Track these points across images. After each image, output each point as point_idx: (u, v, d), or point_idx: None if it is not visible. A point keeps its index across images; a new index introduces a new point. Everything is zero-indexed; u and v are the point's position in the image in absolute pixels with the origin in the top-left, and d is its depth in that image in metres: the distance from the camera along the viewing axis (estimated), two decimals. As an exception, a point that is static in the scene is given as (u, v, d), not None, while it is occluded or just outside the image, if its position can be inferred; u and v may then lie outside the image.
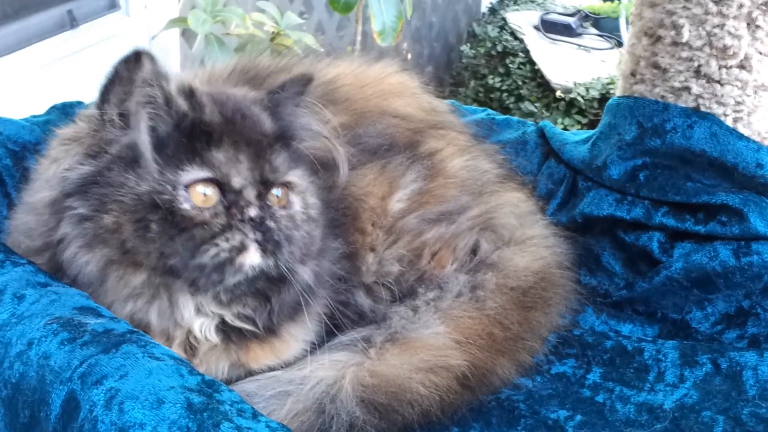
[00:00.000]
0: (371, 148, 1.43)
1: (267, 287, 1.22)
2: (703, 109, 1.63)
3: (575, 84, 4.46)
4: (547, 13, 5.18)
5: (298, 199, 1.23)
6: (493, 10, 5.53)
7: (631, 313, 1.61)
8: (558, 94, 4.53)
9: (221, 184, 1.14)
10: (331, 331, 1.35)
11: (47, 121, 1.70)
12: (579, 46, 4.95)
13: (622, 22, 4.82)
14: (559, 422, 1.30)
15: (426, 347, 1.30)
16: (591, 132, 1.82)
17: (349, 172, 1.35)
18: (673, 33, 1.63)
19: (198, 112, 1.16)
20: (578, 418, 1.31)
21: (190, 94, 1.17)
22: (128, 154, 1.13)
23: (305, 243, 1.23)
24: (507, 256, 1.46)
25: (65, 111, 1.75)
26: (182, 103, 1.15)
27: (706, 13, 1.60)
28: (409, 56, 4.81)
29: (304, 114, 1.28)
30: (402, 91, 1.56)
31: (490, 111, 1.95)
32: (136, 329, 1.11)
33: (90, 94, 1.80)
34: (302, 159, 1.26)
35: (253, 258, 1.15)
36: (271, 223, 1.16)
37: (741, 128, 1.63)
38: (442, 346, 1.30)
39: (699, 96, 1.63)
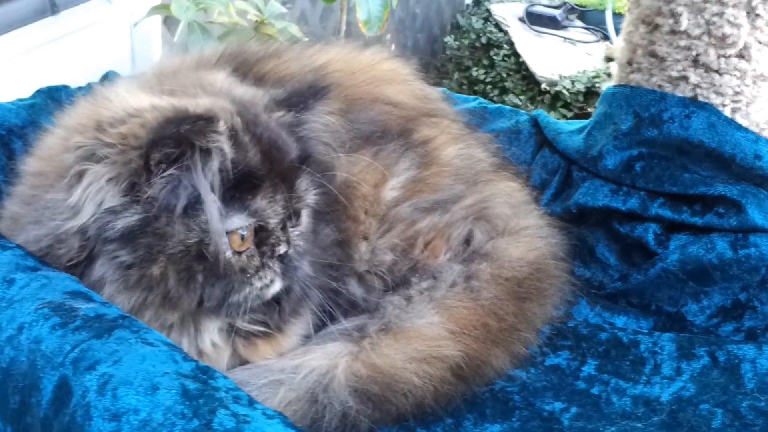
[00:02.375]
0: (363, 135, 1.42)
1: (280, 295, 1.22)
2: (701, 98, 1.62)
3: (560, 77, 4.44)
4: (532, 5, 5.16)
5: (306, 213, 1.24)
6: (477, 2, 5.49)
7: (625, 305, 1.60)
8: (543, 86, 4.51)
9: (259, 227, 1.15)
10: (322, 320, 1.34)
11: (33, 105, 1.68)
12: (564, 38, 4.92)
13: (608, 14, 4.80)
14: (555, 414, 1.30)
15: (420, 337, 1.29)
16: (586, 121, 1.81)
17: (341, 158, 1.34)
18: (671, 21, 1.62)
19: (242, 154, 1.13)
20: (573, 410, 1.30)
21: (234, 135, 1.13)
22: (174, 205, 1.10)
23: (309, 246, 1.25)
24: (501, 246, 1.45)
25: (51, 95, 1.74)
26: (229, 149, 1.11)
27: (705, 1, 1.58)
28: (393, 47, 4.79)
29: (320, 128, 1.28)
30: (394, 77, 1.54)
31: (481, 100, 1.94)
32: (127, 314, 1.09)
33: (71, 80, 1.79)
34: (311, 168, 1.25)
35: (276, 287, 1.18)
36: (291, 252, 1.19)
37: (739, 119, 1.62)
38: (436, 336, 1.29)
39: (697, 85, 1.62)
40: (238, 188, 1.12)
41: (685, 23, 1.60)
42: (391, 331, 1.30)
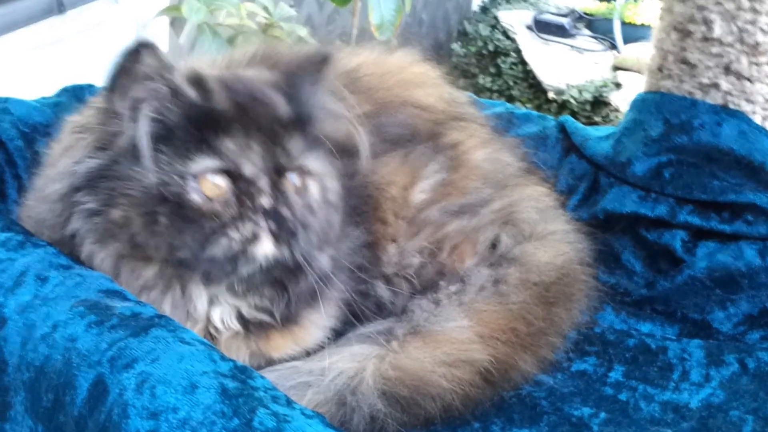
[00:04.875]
0: (393, 138, 1.41)
1: (283, 276, 1.19)
2: (731, 106, 1.62)
3: (567, 86, 4.44)
4: (541, 13, 5.17)
5: (316, 185, 1.20)
6: (484, 9, 5.51)
7: (650, 312, 1.59)
8: (550, 95, 4.52)
9: (232, 174, 1.11)
10: (350, 321, 1.33)
11: (57, 103, 1.69)
12: (572, 47, 4.93)
13: (616, 23, 4.80)
14: (584, 419, 1.29)
15: (449, 341, 1.29)
16: (614, 128, 1.81)
17: (371, 161, 1.31)
18: (703, 28, 1.62)
19: (207, 99, 1.12)
20: (603, 415, 1.30)
21: (197, 81, 1.13)
22: (129, 145, 1.10)
23: (323, 229, 1.20)
24: (529, 251, 1.45)
25: (75, 93, 1.74)
26: (190, 92, 1.12)
27: (739, 8, 1.58)
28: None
29: (322, 94, 1.24)
30: (424, 81, 1.54)
31: (508, 105, 1.94)
32: (163, 314, 1.09)
33: (76, 80, 1.79)
34: (320, 142, 1.22)
35: (266, 248, 1.12)
36: (285, 212, 1.13)
37: (769, 127, 1.62)
38: (465, 340, 1.29)
39: (728, 93, 1.62)
40: (201, 130, 1.10)
41: (717, 30, 1.60)
42: (419, 334, 1.30)
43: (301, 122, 1.18)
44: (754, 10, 1.58)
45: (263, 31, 2.61)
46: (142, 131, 1.09)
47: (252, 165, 1.11)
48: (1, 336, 1.07)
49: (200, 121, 1.11)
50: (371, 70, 1.48)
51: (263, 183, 1.12)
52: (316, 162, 1.20)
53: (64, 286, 1.10)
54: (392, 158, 1.40)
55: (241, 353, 1.23)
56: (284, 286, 1.21)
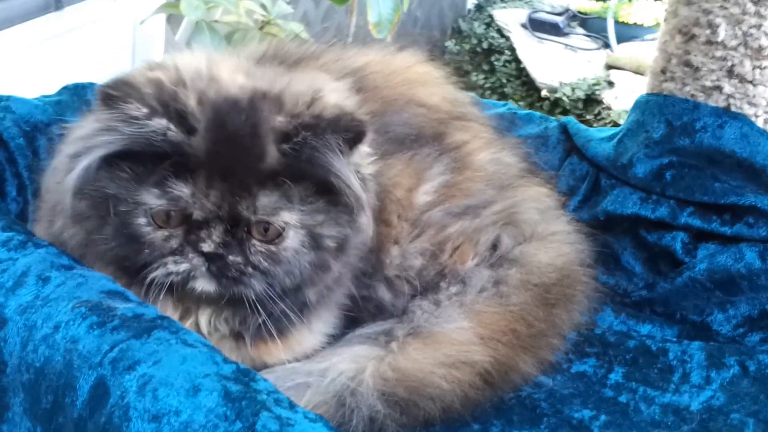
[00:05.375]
0: (398, 138, 1.40)
1: (239, 307, 1.19)
2: (734, 109, 1.62)
3: (561, 84, 4.45)
4: (535, 12, 5.18)
5: (298, 234, 1.15)
6: (479, 7, 5.50)
7: (649, 313, 1.59)
8: (543, 93, 4.53)
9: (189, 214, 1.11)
10: (349, 323, 1.34)
11: (59, 102, 1.68)
12: (566, 45, 4.94)
13: (609, 22, 4.81)
14: (584, 422, 1.29)
15: (449, 342, 1.28)
16: (616, 129, 1.81)
17: (376, 162, 1.29)
18: (708, 32, 1.62)
19: (185, 139, 1.09)
20: (603, 418, 1.30)
21: (183, 117, 1.10)
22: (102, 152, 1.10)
23: (303, 273, 1.17)
24: (530, 252, 1.44)
25: (77, 92, 1.74)
26: (174, 131, 1.09)
27: (744, 13, 1.59)
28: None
29: (340, 164, 1.14)
30: (427, 80, 1.53)
31: (511, 105, 1.94)
32: (165, 315, 1.09)
33: (72, 76, 1.79)
34: (317, 194, 1.16)
35: (203, 285, 1.13)
36: (233, 258, 1.12)
37: (772, 130, 1.62)
38: (465, 341, 1.29)
39: (730, 96, 1.62)
40: (168, 164, 1.09)
41: (722, 34, 1.60)
42: (419, 336, 1.29)
43: (291, 176, 1.12)
44: (759, 15, 1.58)
45: (260, 28, 2.60)
46: (105, 149, 1.10)
47: (203, 212, 1.10)
48: (1, 336, 1.06)
49: (167, 156, 1.09)
50: (377, 69, 1.47)
51: (214, 229, 1.11)
52: (297, 215, 1.14)
53: (65, 287, 1.09)
54: (398, 160, 1.38)
55: (233, 356, 1.22)
56: (243, 316, 1.21)
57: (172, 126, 1.09)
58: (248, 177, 1.10)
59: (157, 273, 1.12)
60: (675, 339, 1.51)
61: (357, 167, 1.18)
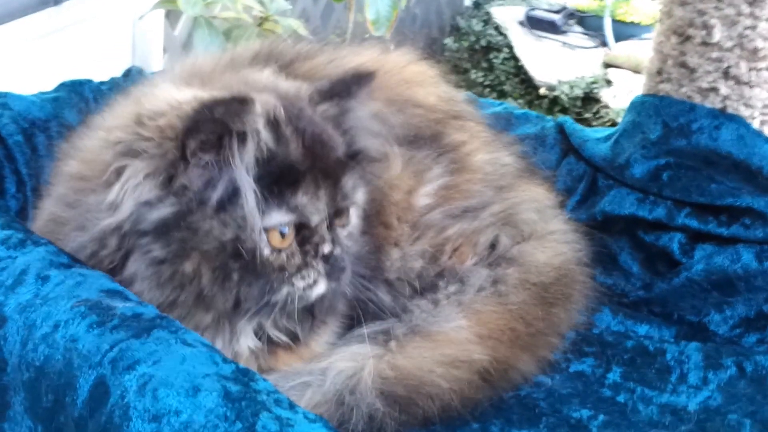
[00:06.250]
0: (396, 139, 1.40)
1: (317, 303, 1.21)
2: (730, 110, 1.63)
3: (559, 82, 4.45)
4: (533, 9, 5.17)
5: (356, 212, 1.22)
6: (477, 4, 5.49)
7: (647, 314, 1.60)
8: (541, 91, 4.53)
9: (300, 224, 1.12)
10: (349, 324, 1.34)
11: (56, 98, 1.68)
12: (564, 43, 4.94)
13: (606, 21, 4.81)
14: (582, 421, 1.29)
15: (448, 341, 1.29)
16: (613, 129, 1.81)
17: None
18: (703, 33, 1.63)
19: (283, 147, 1.10)
20: (601, 417, 1.30)
21: (275, 125, 1.11)
22: (209, 197, 1.08)
23: (358, 252, 1.23)
24: (528, 251, 1.45)
25: (74, 89, 1.74)
26: (269, 139, 1.09)
27: (739, 14, 1.59)
28: (392, 48, 4.78)
29: (365, 114, 1.24)
30: (423, 80, 1.53)
31: (507, 105, 1.94)
32: (165, 314, 1.08)
33: (71, 72, 1.79)
34: (362, 165, 1.23)
35: (320, 289, 1.16)
36: (338, 251, 1.16)
37: (767, 131, 1.62)
38: (464, 340, 1.29)
39: (726, 97, 1.63)
40: (277, 183, 1.09)
41: (717, 35, 1.61)
42: (418, 335, 1.30)
43: (352, 156, 1.19)
44: (754, 16, 1.58)
45: (258, 24, 2.60)
46: (245, 181, 1.06)
47: (318, 214, 1.13)
48: (1, 335, 1.06)
49: (276, 171, 1.09)
50: (373, 69, 1.47)
51: (324, 229, 1.14)
52: (360, 192, 1.21)
53: (64, 286, 1.09)
54: (396, 162, 1.39)
55: (252, 362, 1.23)
56: (313, 312, 1.23)
57: (271, 138, 1.10)
58: (336, 168, 1.15)
59: (283, 293, 1.13)
60: (672, 339, 1.52)
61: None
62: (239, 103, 1.04)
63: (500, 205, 1.46)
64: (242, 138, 1.06)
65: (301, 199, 1.11)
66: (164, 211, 1.08)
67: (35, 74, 1.79)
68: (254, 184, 1.06)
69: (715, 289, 1.55)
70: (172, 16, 2.87)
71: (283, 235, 1.11)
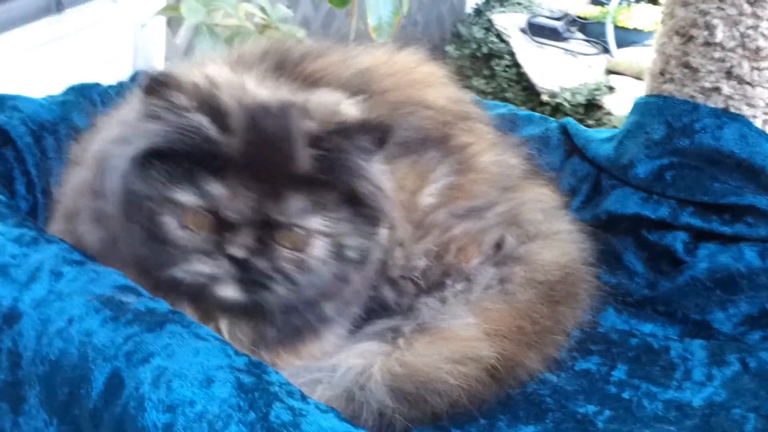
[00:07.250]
0: (404, 141, 1.39)
1: (255, 317, 1.20)
2: (732, 110, 1.64)
3: (561, 88, 4.45)
4: (534, 16, 5.17)
5: (322, 243, 1.16)
6: (478, 11, 5.48)
7: (651, 312, 1.60)
8: (543, 98, 4.53)
9: (215, 213, 1.10)
10: (355, 322, 1.35)
11: (65, 101, 1.69)
12: (565, 50, 4.94)
13: (608, 27, 4.82)
14: (588, 416, 1.30)
15: (456, 338, 1.30)
16: (616, 130, 1.83)
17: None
18: (705, 33, 1.64)
19: (222, 138, 1.10)
20: (607, 413, 1.31)
21: (220, 115, 1.11)
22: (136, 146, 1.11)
23: (326, 285, 1.19)
24: (534, 250, 1.46)
25: (83, 92, 1.74)
26: (210, 128, 1.10)
27: (741, 14, 1.60)
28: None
29: (368, 167, 1.17)
30: (433, 81, 1.54)
31: (511, 106, 1.95)
32: (177, 310, 1.10)
33: (73, 79, 1.80)
34: (343, 203, 1.17)
35: (227, 292, 1.13)
36: (261, 264, 1.12)
37: (770, 131, 1.64)
38: (472, 338, 1.30)
39: (729, 97, 1.64)
40: (201, 164, 1.09)
41: (719, 35, 1.62)
42: (426, 332, 1.30)
43: (320, 182, 1.14)
44: (756, 16, 1.60)
45: (260, 32, 2.61)
46: (144, 143, 1.10)
47: (235, 214, 1.10)
48: (16, 330, 1.08)
49: (203, 154, 1.09)
50: (383, 71, 1.47)
51: (244, 233, 1.11)
52: (325, 222, 1.15)
53: (78, 282, 1.11)
54: (402, 163, 1.38)
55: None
56: (259, 325, 1.22)
57: (211, 123, 1.10)
58: (280, 180, 1.11)
59: (180, 271, 1.11)
60: (677, 337, 1.52)
61: (382, 173, 1.20)
62: (157, 81, 1.09)
63: (505, 205, 1.47)
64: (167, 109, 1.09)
65: (216, 188, 1.09)
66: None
67: (38, 82, 1.80)
68: (157, 143, 1.10)
69: (719, 288, 1.55)
70: (173, 23, 2.88)
71: (196, 216, 1.10)
